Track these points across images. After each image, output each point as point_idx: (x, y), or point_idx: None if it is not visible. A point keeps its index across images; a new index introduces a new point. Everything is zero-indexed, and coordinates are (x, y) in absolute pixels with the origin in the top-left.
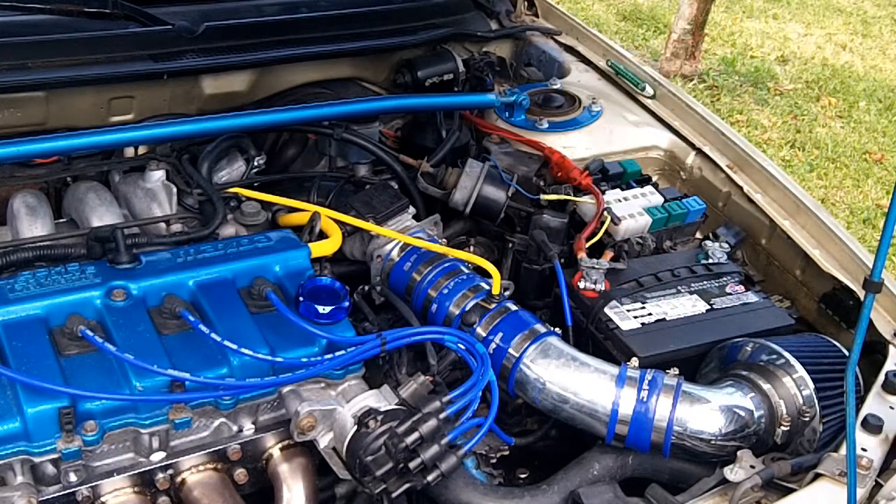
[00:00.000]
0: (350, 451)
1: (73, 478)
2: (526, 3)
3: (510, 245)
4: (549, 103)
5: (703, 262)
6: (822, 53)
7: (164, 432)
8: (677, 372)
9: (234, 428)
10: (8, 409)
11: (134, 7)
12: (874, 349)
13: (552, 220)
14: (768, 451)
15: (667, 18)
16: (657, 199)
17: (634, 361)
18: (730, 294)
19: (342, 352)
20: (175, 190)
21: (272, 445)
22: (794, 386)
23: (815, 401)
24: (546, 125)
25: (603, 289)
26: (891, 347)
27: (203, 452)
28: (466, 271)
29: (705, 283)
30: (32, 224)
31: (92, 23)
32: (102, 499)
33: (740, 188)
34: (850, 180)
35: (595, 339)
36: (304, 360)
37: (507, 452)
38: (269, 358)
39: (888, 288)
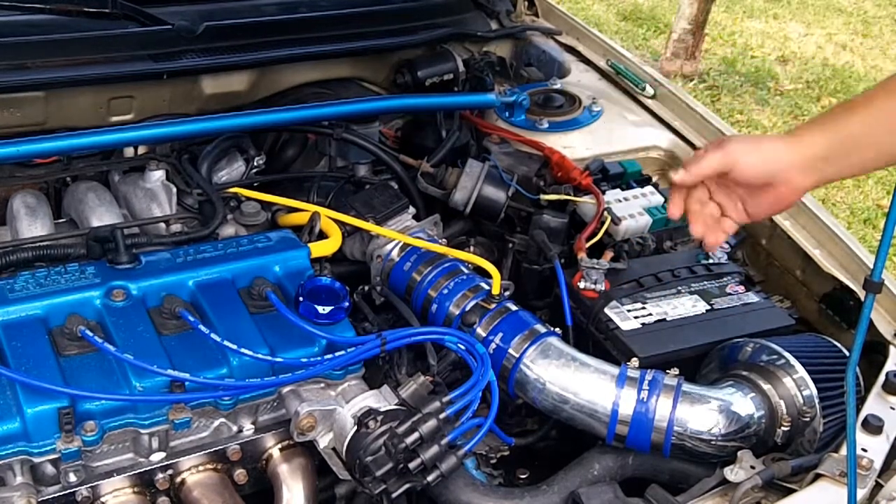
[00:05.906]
0: (350, 451)
1: (72, 478)
2: (526, 3)
3: (510, 245)
4: (549, 103)
5: (704, 262)
6: (823, 53)
7: (164, 432)
8: (677, 372)
9: (234, 428)
10: (7, 410)
11: (134, 7)
12: (874, 349)
13: (552, 220)
14: (769, 452)
15: (667, 18)
16: (657, 199)
17: (634, 362)
18: (730, 294)
19: (342, 352)
20: (175, 190)
21: (272, 446)
22: (795, 386)
23: (816, 401)
24: (546, 125)
25: (603, 289)
26: (891, 348)
27: (203, 453)
28: (466, 271)
29: (705, 283)
30: (32, 224)
31: (92, 23)
32: (102, 499)
33: None
34: (851, 180)
35: (595, 339)
36: (304, 360)
37: (507, 453)
38: (269, 358)
39: (888, 288)
